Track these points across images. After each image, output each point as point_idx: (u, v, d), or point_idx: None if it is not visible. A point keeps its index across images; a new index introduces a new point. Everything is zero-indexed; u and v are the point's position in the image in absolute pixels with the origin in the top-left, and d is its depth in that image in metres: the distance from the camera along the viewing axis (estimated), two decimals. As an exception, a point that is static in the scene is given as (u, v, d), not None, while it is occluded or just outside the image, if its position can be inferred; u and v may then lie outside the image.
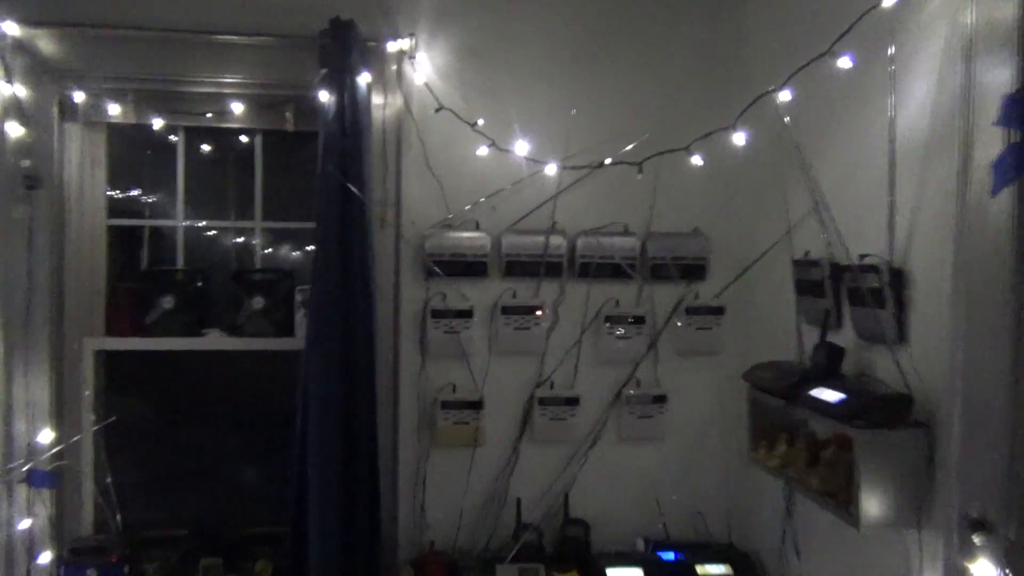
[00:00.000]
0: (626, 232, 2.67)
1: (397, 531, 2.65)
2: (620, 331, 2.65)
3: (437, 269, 2.57)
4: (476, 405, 2.62)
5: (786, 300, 2.36)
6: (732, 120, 2.35)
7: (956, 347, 1.61)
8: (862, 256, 1.91)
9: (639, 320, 2.66)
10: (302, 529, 2.38)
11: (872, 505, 1.69)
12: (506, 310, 2.61)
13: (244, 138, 2.82)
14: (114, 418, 2.65)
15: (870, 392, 1.78)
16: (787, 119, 2.21)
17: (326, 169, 2.38)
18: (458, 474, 2.65)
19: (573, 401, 2.64)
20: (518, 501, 2.62)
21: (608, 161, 2.63)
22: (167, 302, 2.59)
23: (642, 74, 2.74)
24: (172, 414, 2.93)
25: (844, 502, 1.79)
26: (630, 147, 2.61)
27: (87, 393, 2.60)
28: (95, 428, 2.60)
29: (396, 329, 2.62)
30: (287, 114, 2.58)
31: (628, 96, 2.73)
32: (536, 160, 2.61)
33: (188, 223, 2.80)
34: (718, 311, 2.68)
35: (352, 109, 2.41)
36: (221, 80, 2.56)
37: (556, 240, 2.61)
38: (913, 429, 1.70)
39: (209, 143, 2.84)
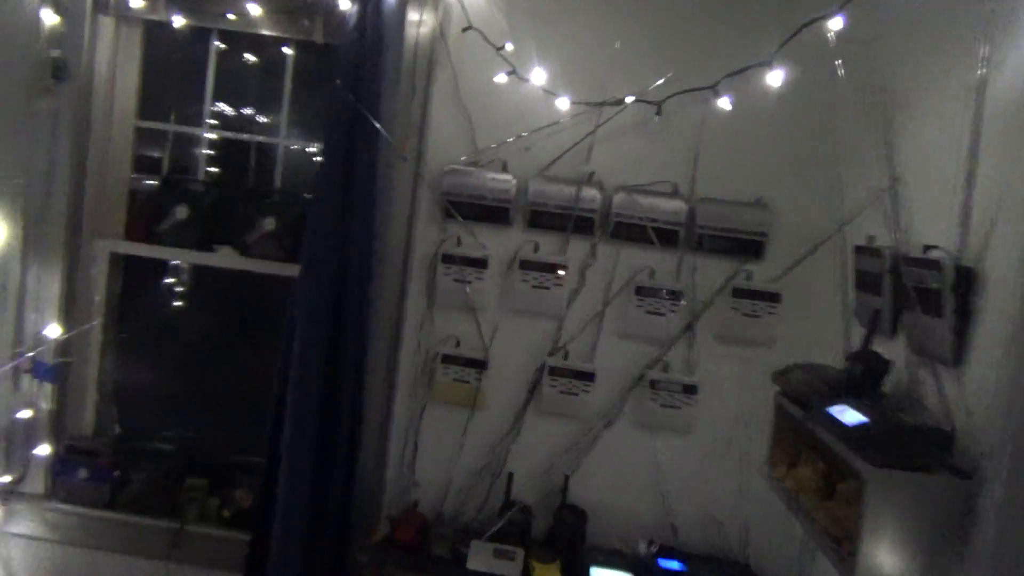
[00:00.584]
0: (674, 193, 2.33)
1: (384, 484, 2.50)
2: (653, 305, 2.33)
3: (452, 210, 2.35)
4: (480, 364, 2.40)
5: (845, 293, 2.02)
6: (771, 55, 1.94)
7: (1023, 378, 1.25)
8: (926, 248, 1.53)
9: (676, 295, 2.33)
10: (273, 468, 2.24)
11: (876, 562, 1.34)
12: (525, 265, 2.35)
13: (282, 49, 2.66)
14: (124, 335, 2.67)
15: (899, 420, 1.41)
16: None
17: (335, 82, 2.18)
18: (453, 436, 2.47)
19: (588, 376, 2.36)
20: (510, 476, 2.40)
21: (630, 99, 2.25)
22: (181, 212, 2.52)
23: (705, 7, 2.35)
24: (181, 329, 2.91)
25: (850, 552, 1.42)
26: (656, 85, 2.22)
27: (97, 298, 2.59)
28: (94, 324, 2.55)
29: (406, 270, 2.42)
30: (316, 24, 2.39)
31: (684, 32, 2.34)
32: (550, 92, 2.27)
33: (212, 133, 2.70)
34: (772, 297, 2.29)
35: (374, 19, 2.18)
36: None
37: (590, 193, 2.31)
38: (948, 476, 1.32)
39: (243, 50, 2.71)
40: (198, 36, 2.63)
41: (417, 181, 2.40)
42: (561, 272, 2.33)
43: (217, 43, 2.70)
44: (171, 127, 2.74)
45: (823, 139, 2.29)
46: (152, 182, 2.71)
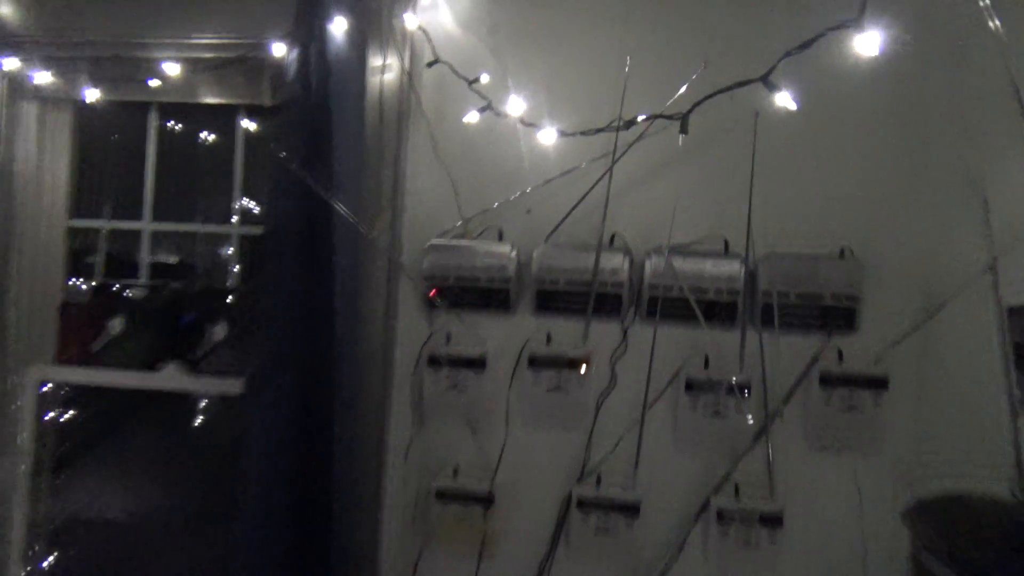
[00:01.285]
0: (725, 252, 1.77)
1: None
2: (711, 405, 1.75)
3: (436, 299, 1.83)
4: (485, 500, 1.82)
5: (992, 374, 1.46)
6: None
7: None
8: None
9: (742, 389, 1.72)
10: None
11: None
12: (535, 361, 1.81)
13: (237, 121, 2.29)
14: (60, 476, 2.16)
15: None
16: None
17: (276, 150, 1.72)
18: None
19: (631, 508, 1.75)
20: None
21: (641, 118, 1.70)
22: (115, 326, 2.12)
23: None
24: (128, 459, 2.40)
25: None
26: (680, 93, 1.67)
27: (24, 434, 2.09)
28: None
29: (386, 378, 1.89)
30: (261, 84, 1.99)
31: (712, 25, 1.81)
32: (531, 124, 1.77)
33: (155, 226, 2.29)
34: (876, 383, 1.67)
35: (320, 67, 1.75)
36: (185, 41, 2.00)
37: (613, 260, 1.77)
38: None
39: (185, 125, 2.35)
40: (136, 114, 2.29)
41: (393, 265, 1.91)
42: (583, 368, 1.78)
43: (161, 122, 2.34)
44: (107, 224, 2.34)
45: (942, 153, 1.73)
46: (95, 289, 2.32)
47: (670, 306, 1.75)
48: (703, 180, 1.83)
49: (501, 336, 1.87)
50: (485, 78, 1.83)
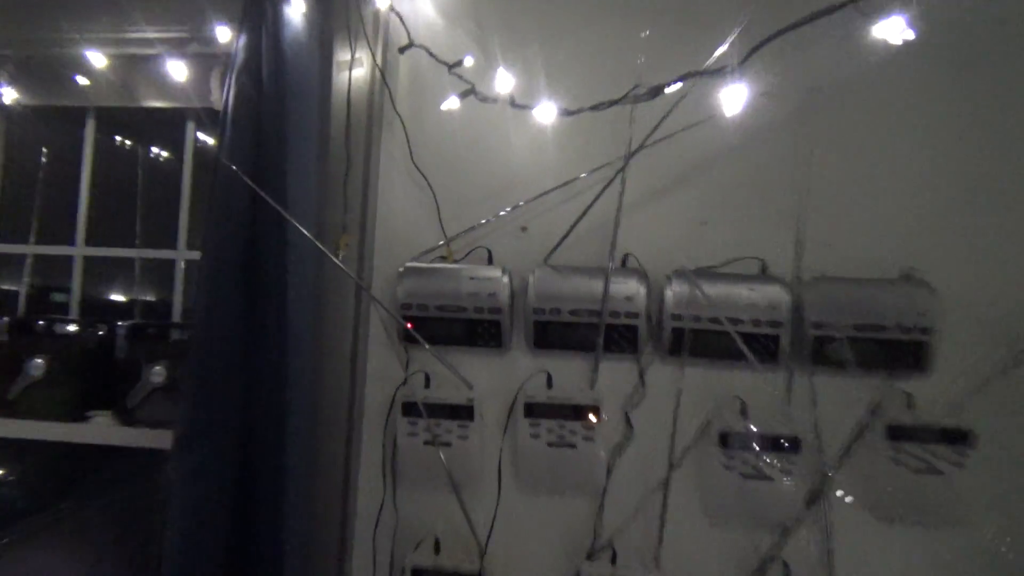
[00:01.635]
0: (763, 275, 1.45)
1: None
2: (750, 464, 1.40)
3: (412, 331, 1.50)
4: (473, 582, 1.57)
5: None
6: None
7: None
8: None
9: (791, 445, 1.39)
10: None
11: None
12: (534, 410, 1.47)
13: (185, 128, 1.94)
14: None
15: None
16: None
17: (219, 156, 1.41)
18: None
19: (654, 593, 1.50)
20: None
21: (672, 88, 1.37)
22: (36, 368, 1.71)
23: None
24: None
25: None
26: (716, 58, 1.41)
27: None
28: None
29: (351, 432, 1.55)
30: (213, 84, 1.67)
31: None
32: (522, 106, 1.48)
33: (87, 252, 1.96)
34: (959, 437, 1.34)
35: (274, 56, 1.44)
36: (120, 36, 1.71)
37: (626, 285, 1.44)
38: None
39: (124, 135, 2.03)
40: (69, 123, 1.96)
41: (360, 293, 1.59)
42: (592, 418, 1.45)
43: (100, 132, 2.01)
44: (31, 249, 2.00)
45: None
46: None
47: (698, 341, 1.41)
48: (732, 189, 1.50)
49: (492, 378, 1.55)
50: (469, 61, 1.53)
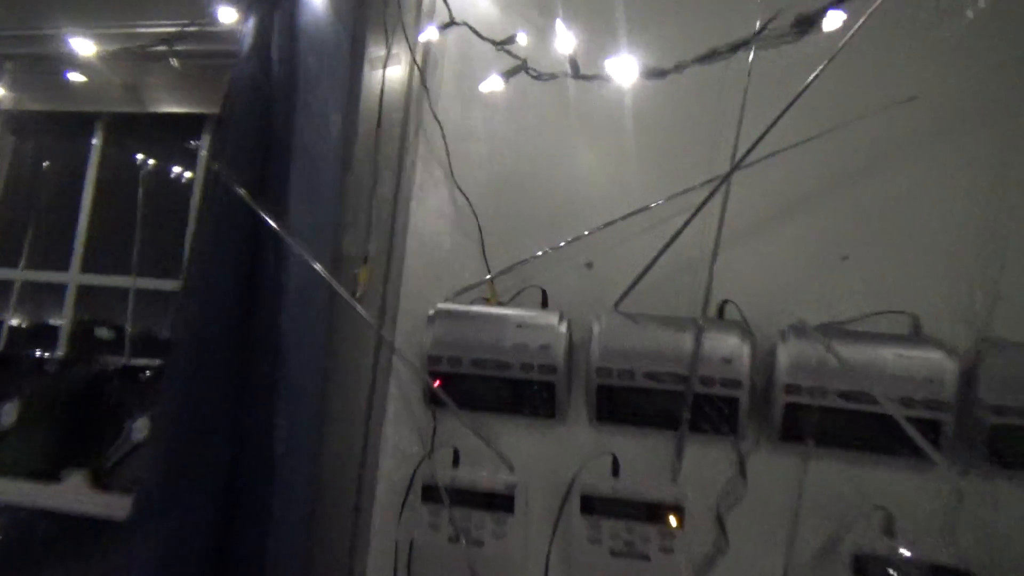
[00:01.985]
0: (917, 335, 1.07)
1: None
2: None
3: (439, 392, 1.16)
4: None
5: None
6: None
7: None
8: None
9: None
10: None
11: None
12: (594, 505, 1.11)
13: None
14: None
15: None
16: None
17: (210, 159, 1.21)
18: None
19: None
20: None
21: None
22: (8, 413, 1.45)
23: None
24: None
25: None
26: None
27: None
28: None
29: (357, 521, 1.20)
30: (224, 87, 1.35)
31: None
32: (584, 75, 1.18)
33: (83, 278, 1.70)
34: None
35: (288, 37, 1.19)
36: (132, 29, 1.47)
37: (724, 343, 1.06)
38: None
39: (134, 146, 1.78)
40: (71, 134, 1.75)
41: (381, 340, 1.27)
42: (673, 521, 1.07)
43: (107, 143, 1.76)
44: (20, 274, 1.77)
45: None
46: None
47: (824, 422, 1.02)
48: (879, 218, 1.13)
49: (540, 459, 1.20)
50: (522, 38, 1.22)
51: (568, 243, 1.23)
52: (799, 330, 1.07)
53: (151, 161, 1.77)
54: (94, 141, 1.76)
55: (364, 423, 1.24)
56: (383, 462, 1.26)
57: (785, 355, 1.05)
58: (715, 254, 1.13)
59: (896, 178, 1.14)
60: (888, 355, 1.02)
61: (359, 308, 1.22)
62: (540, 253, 1.25)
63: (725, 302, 1.15)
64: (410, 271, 1.31)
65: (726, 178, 1.12)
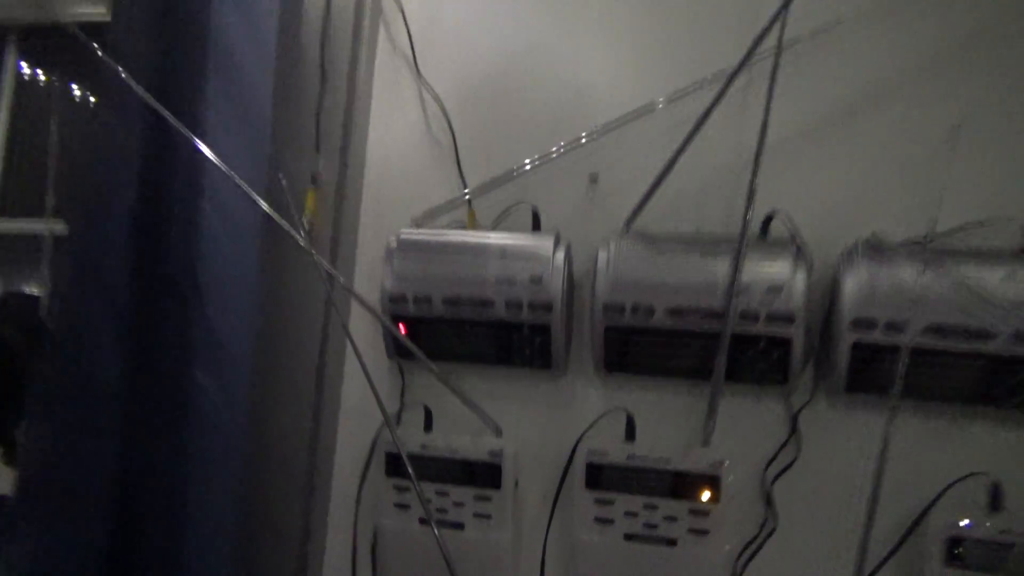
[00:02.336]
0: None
1: None
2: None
3: (404, 339, 0.90)
4: None
5: None
6: None
7: None
8: None
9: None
10: None
11: None
12: (603, 477, 0.87)
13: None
14: None
15: None
16: None
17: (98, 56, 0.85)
18: None
19: None
20: None
21: None
22: None
23: None
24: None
25: None
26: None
27: None
28: None
29: (310, 504, 0.96)
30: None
31: None
32: None
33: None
34: None
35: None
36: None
37: (770, 268, 0.81)
38: None
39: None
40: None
41: (333, 281, 0.98)
42: (707, 496, 0.82)
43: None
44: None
45: None
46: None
47: (920, 374, 0.75)
48: (969, 98, 0.86)
49: (533, 421, 0.96)
50: None
51: (564, 150, 0.96)
52: (873, 247, 0.82)
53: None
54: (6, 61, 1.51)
55: (315, 383, 0.99)
56: (341, 430, 1.03)
57: (853, 280, 0.80)
58: (761, 145, 0.82)
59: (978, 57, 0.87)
60: (995, 276, 0.77)
61: (303, 241, 0.88)
62: (529, 165, 0.98)
63: (771, 215, 0.88)
64: (370, 194, 1.06)
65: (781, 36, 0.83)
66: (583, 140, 0.97)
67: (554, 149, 0.97)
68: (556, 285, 0.88)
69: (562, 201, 0.98)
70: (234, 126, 0.95)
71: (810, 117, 0.90)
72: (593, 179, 0.98)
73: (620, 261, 0.87)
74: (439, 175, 1.02)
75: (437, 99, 1.03)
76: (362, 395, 1.01)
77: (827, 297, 0.86)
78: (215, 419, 0.89)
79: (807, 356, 0.85)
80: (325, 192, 1.03)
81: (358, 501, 0.99)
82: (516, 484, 0.93)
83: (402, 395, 1.00)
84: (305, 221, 1.03)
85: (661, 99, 0.94)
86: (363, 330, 1.01)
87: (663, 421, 0.91)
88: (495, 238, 0.93)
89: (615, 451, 0.88)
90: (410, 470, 0.88)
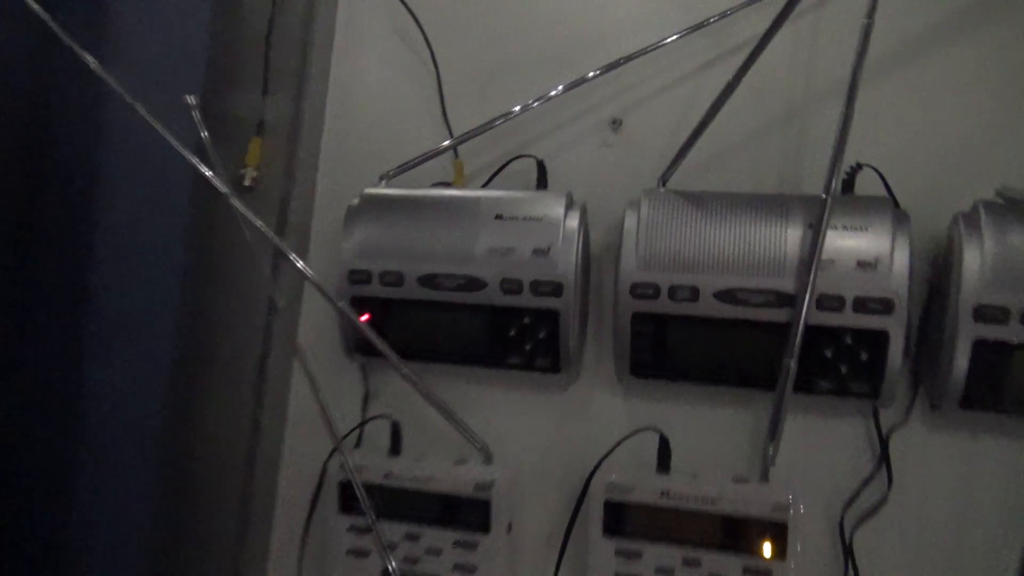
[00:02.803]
0: None
1: None
2: None
3: (370, 333, 0.68)
4: None
5: None
6: None
7: None
8: None
9: None
10: None
11: None
12: (626, 519, 0.65)
13: None
14: None
15: None
16: None
17: None
18: None
19: None
20: None
21: None
22: None
23: None
24: None
25: None
26: None
27: None
28: None
29: (243, 546, 0.76)
30: None
31: None
32: None
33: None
34: None
35: None
36: None
37: (859, 238, 0.61)
38: None
39: None
40: None
41: (279, 255, 0.77)
42: (768, 549, 0.60)
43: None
44: None
45: None
46: None
47: None
48: None
49: (535, 441, 0.74)
50: None
51: (576, 90, 0.74)
52: (1000, 209, 0.60)
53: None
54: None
55: (254, 387, 0.77)
56: (288, 448, 0.81)
57: (973, 255, 0.58)
58: (857, 74, 0.59)
59: None
60: None
61: (241, 208, 0.66)
62: (535, 104, 0.75)
63: (857, 167, 0.66)
64: (332, 144, 0.84)
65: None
66: (596, 74, 0.72)
67: (562, 87, 0.74)
68: (568, 259, 0.67)
69: (575, 153, 0.76)
70: (154, 52, 0.78)
71: (901, 39, 0.68)
72: (615, 125, 0.76)
73: (654, 227, 0.65)
74: (419, 120, 0.80)
75: (418, 24, 0.80)
76: (306, 411, 0.78)
77: (935, 277, 0.64)
78: (121, 418, 0.72)
79: (909, 358, 0.63)
80: (273, 143, 0.81)
81: (303, 544, 0.77)
82: (510, 527, 0.71)
83: (364, 405, 0.78)
84: (248, 177, 0.83)
85: (698, 26, 0.71)
86: (319, 318, 0.80)
87: (708, 445, 0.70)
88: (488, 197, 0.71)
89: (644, 485, 0.65)
90: (366, 505, 0.66)
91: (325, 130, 0.85)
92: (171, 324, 0.76)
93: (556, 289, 0.67)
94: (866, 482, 0.66)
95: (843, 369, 0.62)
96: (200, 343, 0.80)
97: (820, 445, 0.67)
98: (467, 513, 0.70)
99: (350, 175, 0.83)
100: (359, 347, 0.74)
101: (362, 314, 0.72)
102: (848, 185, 0.67)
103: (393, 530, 0.71)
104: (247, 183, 0.80)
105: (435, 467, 0.72)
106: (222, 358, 0.81)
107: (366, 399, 0.79)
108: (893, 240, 0.60)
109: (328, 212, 0.82)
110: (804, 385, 0.63)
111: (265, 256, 0.77)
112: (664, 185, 0.70)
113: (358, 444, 0.78)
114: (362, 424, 0.78)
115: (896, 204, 0.64)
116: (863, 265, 0.60)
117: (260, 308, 0.80)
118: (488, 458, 0.73)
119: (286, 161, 0.82)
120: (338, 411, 0.77)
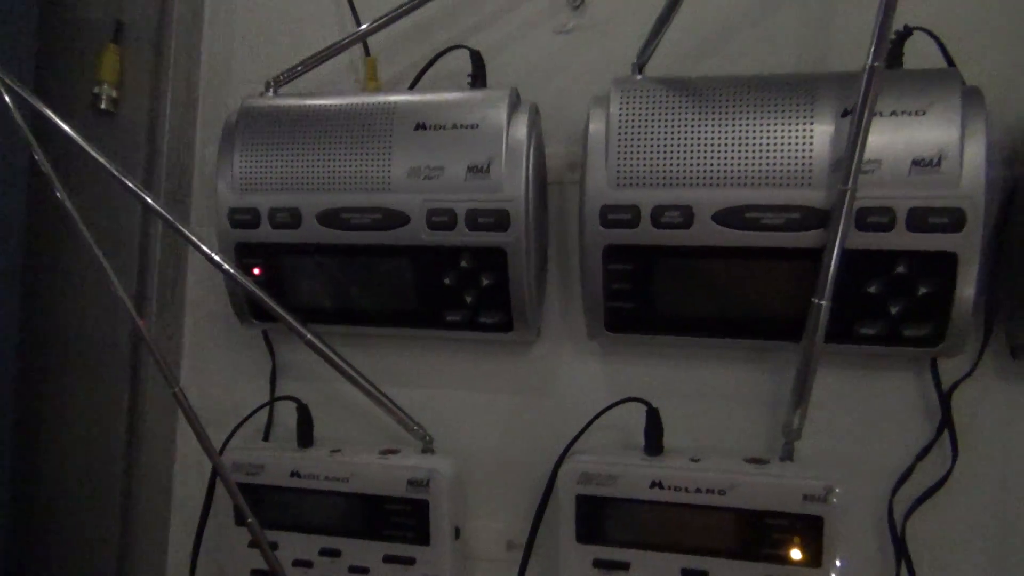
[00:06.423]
0: None
1: None
2: None
3: (251, 287, 0.53)
4: None
5: None
6: None
7: None
8: None
9: None
10: None
11: None
12: (604, 519, 0.50)
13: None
14: None
15: None
16: None
17: None
18: None
19: None
20: None
21: None
22: None
23: None
24: None
25: None
26: None
27: None
28: None
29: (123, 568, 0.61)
30: None
31: None
32: None
33: None
34: None
35: None
36: None
37: (910, 121, 0.45)
38: None
39: None
40: None
41: (148, 201, 0.56)
42: (798, 555, 0.45)
43: None
44: None
45: None
46: None
47: None
48: None
49: (487, 420, 0.58)
50: None
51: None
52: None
53: None
54: None
55: (129, 368, 0.61)
56: (181, 441, 0.65)
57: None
58: None
59: None
60: None
61: (89, 148, 0.50)
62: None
63: (908, 31, 0.48)
64: (213, 47, 0.66)
65: None
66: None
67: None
68: (515, 177, 0.50)
69: (525, 43, 0.59)
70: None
71: None
72: (575, 2, 0.57)
73: (630, 129, 0.48)
74: (318, 8, 0.62)
75: None
76: (213, 383, 0.64)
77: (1009, 182, 0.49)
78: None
79: (979, 298, 0.48)
80: (137, 48, 0.62)
81: (194, 564, 0.60)
82: (457, 533, 0.55)
83: (272, 383, 0.62)
84: (104, 98, 0.65)
85: None
86: (208, 272, 0.64)
87: (711, 417, 0.55)
88: (406, 102, 0.54)
89: (629, 474, 0.50)
90: (249, 523, 0.49)
91: (205, 34, 0.67)
92: (12, 278, 0.60)
93: (501, 219, 0.51)
94: (922, 455, 0.51)
95: (893, 309, 0.46)
96: (52, 305, 0.62)
97: (861, 410, 0.52)
98: (399, 519, 0.54)
99: (240, 86, 0.65)
100: (253, 311, 0.58)
101: (251, 267, 0.56)
102: (894, 58, 0.49)
103: (305, 544, 0.55)
104: (104, 105, 0.61)
105: (356, 461, 0.56)
106: (81, 342, 0.62)
107: (273, 376, 0.62)
108: (963, 127, 0.44)
109: (214, 136, 0.61)
110: (840, 333, 0.48)
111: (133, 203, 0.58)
112: (641, 72, 0.52)
113: (267, 434, 0.62)
114: (255, 412, 0.60)
115: (962, 81, 0.47)
116: (921, 164, 0.44)
117: (129, 271, 0.65)
118: (426, 446, 0.57)
119: (153, 72, 0.63)
120: (239, 392, 0.63)
